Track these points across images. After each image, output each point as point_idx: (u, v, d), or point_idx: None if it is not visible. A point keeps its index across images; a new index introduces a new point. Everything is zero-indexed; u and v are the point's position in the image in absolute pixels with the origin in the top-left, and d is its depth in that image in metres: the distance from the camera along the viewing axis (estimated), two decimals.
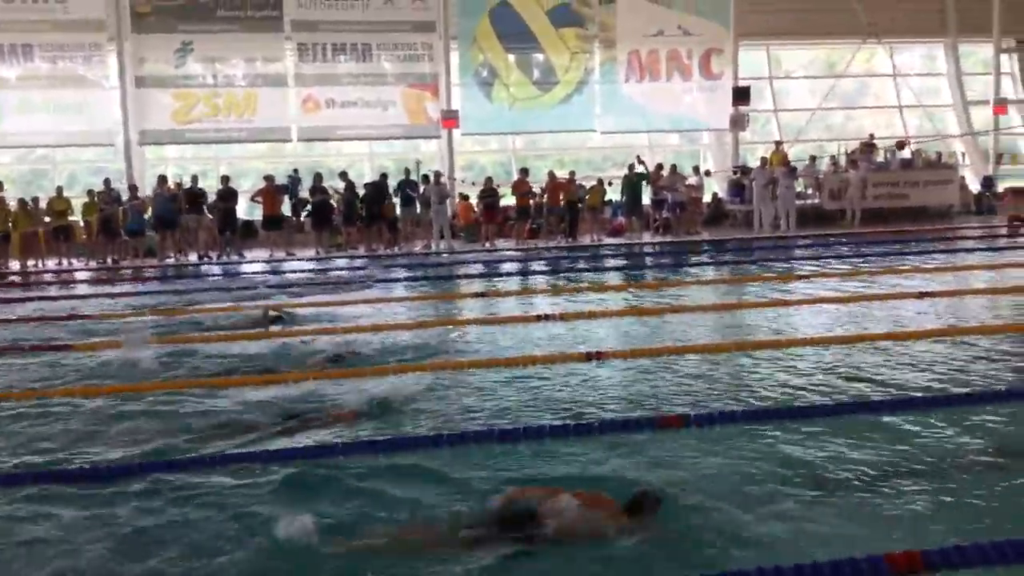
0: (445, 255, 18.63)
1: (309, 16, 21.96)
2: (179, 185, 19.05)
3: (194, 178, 19.34)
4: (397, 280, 14.30)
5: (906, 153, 22.43)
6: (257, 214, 19.50)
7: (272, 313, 10.03)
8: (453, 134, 22.61)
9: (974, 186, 23.52)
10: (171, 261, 18.33)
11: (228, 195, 18.74)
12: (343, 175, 19.71)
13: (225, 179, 19.20)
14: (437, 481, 4.70)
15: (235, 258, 18.48)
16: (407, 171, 19.89)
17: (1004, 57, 24.88)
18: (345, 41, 22.20)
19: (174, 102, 21.64)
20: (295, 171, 20.63)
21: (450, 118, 22.28)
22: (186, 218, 18.74)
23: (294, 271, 16.43)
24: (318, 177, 19.46)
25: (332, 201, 19.22)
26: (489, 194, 20.03)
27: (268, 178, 19.21)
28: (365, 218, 19.40)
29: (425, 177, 19.86)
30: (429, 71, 22.66)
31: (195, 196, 18.81)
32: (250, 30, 21.77)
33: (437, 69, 22.63)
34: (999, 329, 8.39)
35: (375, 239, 19.54)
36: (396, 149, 23.87)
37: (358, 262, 17.16)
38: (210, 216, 18.92)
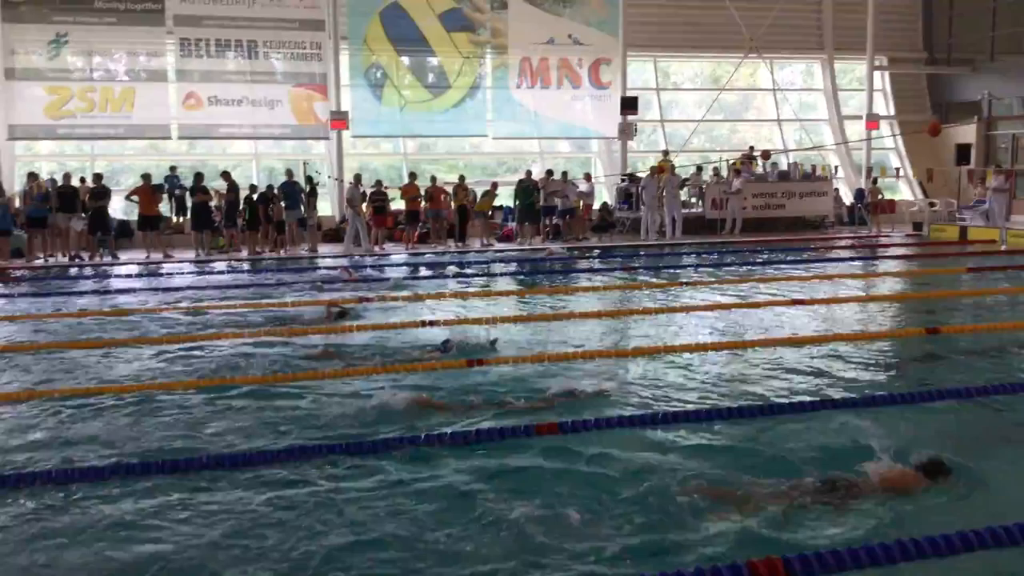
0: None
1: (192, 11, 21.31)
2: (58, 182, 18.15)
3: (66, 176, 18.46)
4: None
5: (782, 165, 23.27)
6: (135, 214, 18.74)
7: (335, 309, 10.26)
8: (343, 136, 22.26)
9: (848, 198, 24.52)
10: (40, 262, 17.43)
11: (100, 194, 17.96)
12: (226, 175, 19.16)
13: (98, 177, 18.41)
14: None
15: (108, 259, 17.71)
16: (289, 172, 19.47)
17: (877, 74, 26.07)
18: (230, 37, 21.63)
19: (47, 95, 20.68)
20: (172, 169, 19.97)
21: (339, 119, 21.93)
22: (57, 217, 17.84)
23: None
24: (198, 176, 18.88)
25: (212, 203, 18.65)
26: (378, 197, 19.80)
27: (145, 176, 18.54)
28: (250, 220, 18.88)
29: (309, 179, 19.50)
30: (318, 71, 22.27)
31: (67, 194, 17.92)
32: (129, 23, 20.98)
33: (326, 69, 22.26)
34: (870, 336, 8.73)
35: (261, 241, 19.06)
36: (285, 150, 23.40)
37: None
38: (83, 216, 18.07)
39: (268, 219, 18.88)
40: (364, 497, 4.62)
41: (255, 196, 18.94)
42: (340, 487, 4.76)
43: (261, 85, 21.92)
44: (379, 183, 20.20)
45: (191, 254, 18.32)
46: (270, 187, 19.39)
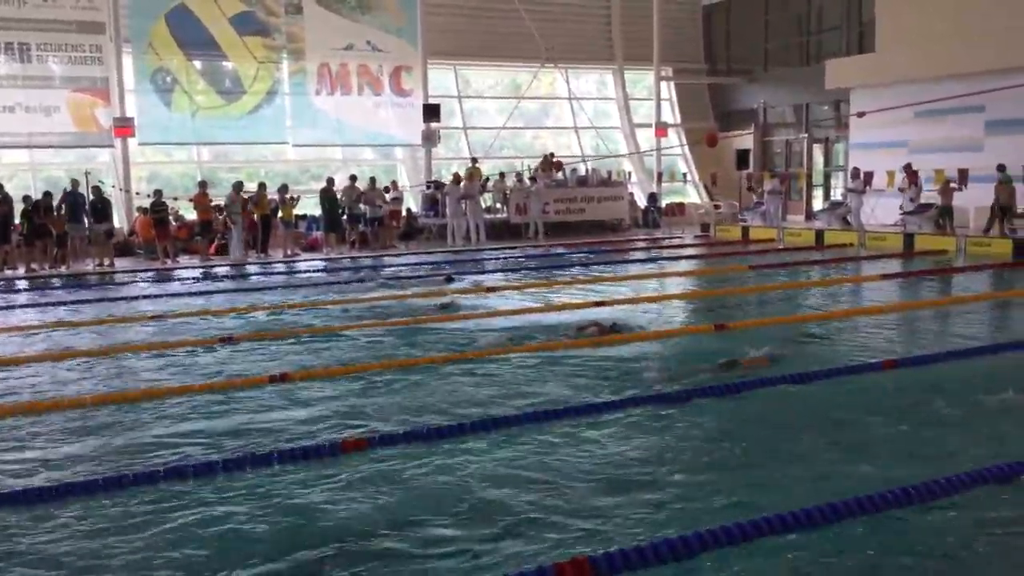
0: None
1: None
2: None
3: None
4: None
5: (581, 171, 24.12)
6: None
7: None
8: (128, 143, 21.01)
9: (641, 202, 25.69)
10: None
11: None
12: None
13: None
14: None
15: None
16: (74, 183, 18.16)
17: (663, 84, 27.47)
18: None
19: None
20: None
21: (124, 126, 20.72)
22: None
23: None
24: None
25: None
26: (158, 208, 18.75)
27: None
28: (27, 234, 17.46)
29: (96, 189, 18.25)
30: (100, 75, 20.92)
31: None
32: None
33: (108, 73, 20.94)
34: (667, 334, 9.18)
35: (39, 257, 17.67)
36: (67, 159, 21.74)
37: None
38: None
39: (47, 233, 17.54)
40: None
41: (31, 208, 17.54)
42: None
43: (36, 90, 20.37)
44: (158, 193, 19.06)
45: None
46: (47, 194, 18.01)
